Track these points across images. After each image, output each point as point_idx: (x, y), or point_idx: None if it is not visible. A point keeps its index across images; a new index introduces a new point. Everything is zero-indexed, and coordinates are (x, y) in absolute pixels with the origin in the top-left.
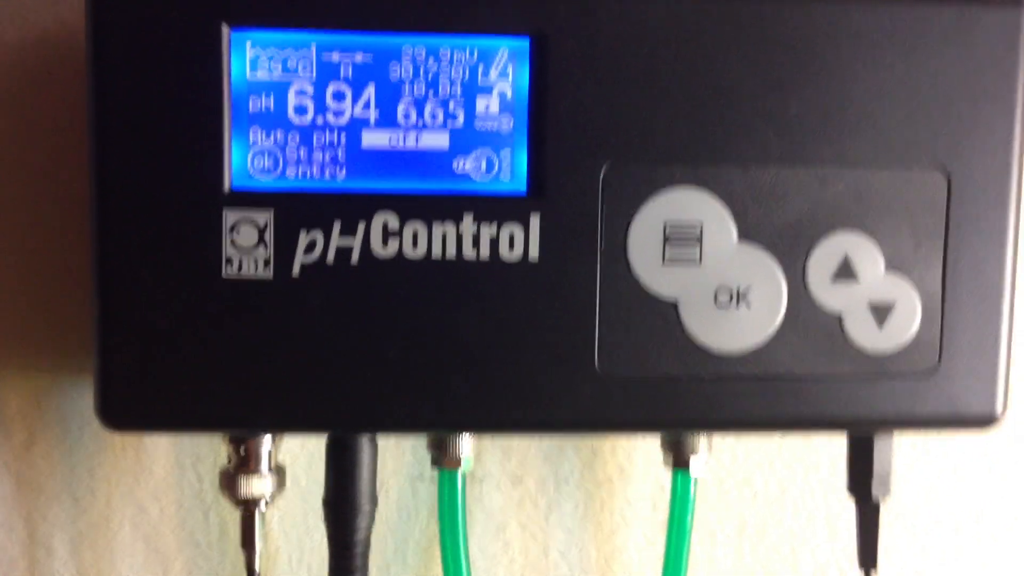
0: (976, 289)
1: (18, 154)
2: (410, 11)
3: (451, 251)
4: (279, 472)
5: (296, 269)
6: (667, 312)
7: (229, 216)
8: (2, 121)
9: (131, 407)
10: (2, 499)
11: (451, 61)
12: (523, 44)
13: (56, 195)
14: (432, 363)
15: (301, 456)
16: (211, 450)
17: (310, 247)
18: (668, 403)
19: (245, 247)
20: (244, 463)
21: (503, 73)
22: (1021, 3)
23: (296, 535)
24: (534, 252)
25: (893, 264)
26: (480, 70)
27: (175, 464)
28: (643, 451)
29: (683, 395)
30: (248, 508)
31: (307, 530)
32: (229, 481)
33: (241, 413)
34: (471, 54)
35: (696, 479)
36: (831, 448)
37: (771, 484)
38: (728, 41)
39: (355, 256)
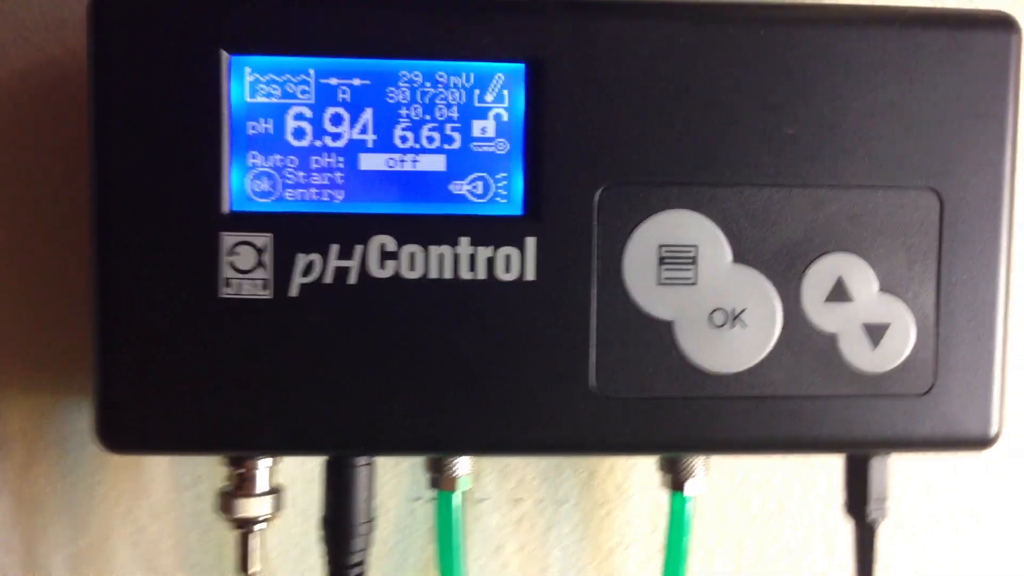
0: (970, 309)
1: (21, 175)
2: (407, 36)
3: (448, 272)
4: (277, 494)
5: (294, 290)
6: (662, 333)
7: (228, 238)
8: (7, 142)
9: (130, 429)
10: (1, 518)
11: (448, 85)
12: (519, 68)
13: (58, 215)
14: (429, 384)
15: (299, 477)
16: (209, 471)
17: (308, 268)
18: (664, 423)
19: (244, 269)
20: (242, 485)
21: (499, 97)
22: (1012, 26)
23: (294, 555)
24: (530, 273)
25: (887, 285)
26: (476, 94)
27: (174, 485)
28: (641, 471)
29: (678, 415)
30: (245, 529)
31: (304, 550)
32: (227, 503)
33: (240, 435)
34: (467, 78)
35: (693, 498)
36: (829, 464)
37: (769, 500)
38: (722, 64)
39: (353, 277)
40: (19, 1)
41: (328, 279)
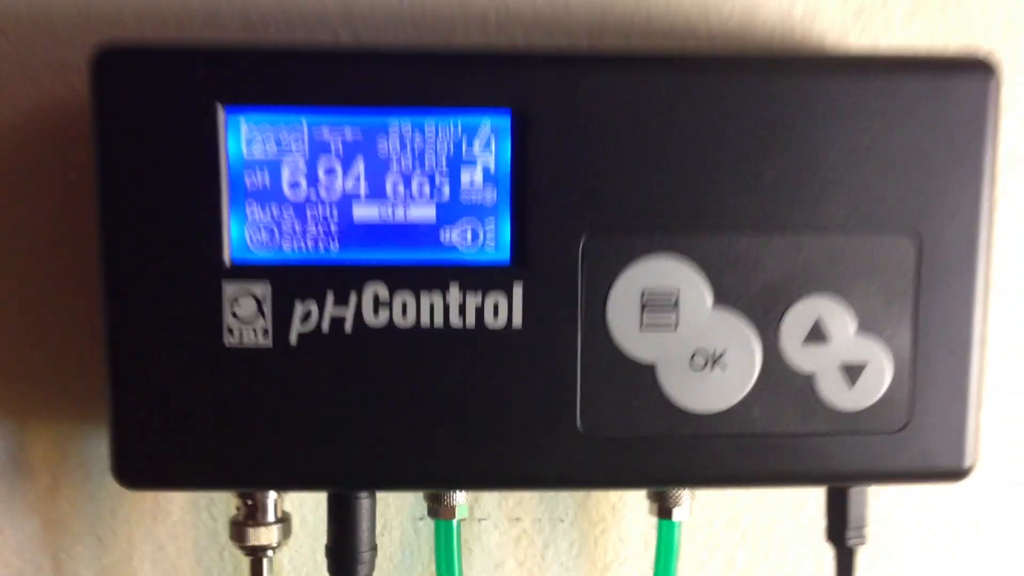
0: (946, 349)
1: (36, 212)
2: (396, 88)
3: (439, 320)
4: (285, 521)
5: (293, 338)
6: (645, 375)
7: (229, 288)
8: (18, 181)
9: (144, 468)
10: (29, 539)
11: (436, 136)
12: (505, 119)
13: (75, 251)
14: (423, 425)
15: (309, 497)
16: (224, 494)
17: (306, 317)
18: (648, 461)
19: (245, 317)
20: (252, 514)
21: (486, 147)
22: (989, 70)
23: (305, 572)
24: (518, 319)
25: (864, 326)
26: (464, 144)
27: (191, 506)
28: (634, 492)
29: (662, 453)
30: (257, 555)
31: (316, 567)
32: (238, 531)
33: (246, 473)
34: (455, 129)
35: (680, 523)
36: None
37: (759, 519)
38: (703, 113)
39: (348, 325)
40: (24, 42)
41: (325, 327)
